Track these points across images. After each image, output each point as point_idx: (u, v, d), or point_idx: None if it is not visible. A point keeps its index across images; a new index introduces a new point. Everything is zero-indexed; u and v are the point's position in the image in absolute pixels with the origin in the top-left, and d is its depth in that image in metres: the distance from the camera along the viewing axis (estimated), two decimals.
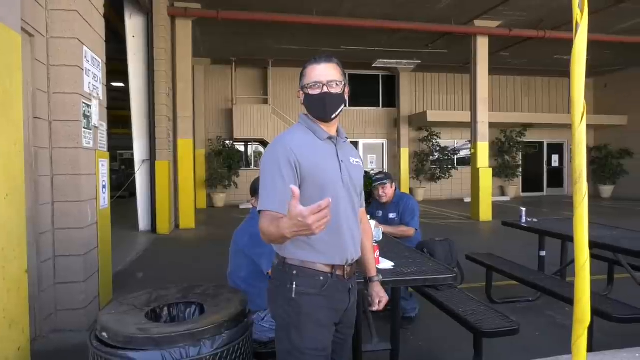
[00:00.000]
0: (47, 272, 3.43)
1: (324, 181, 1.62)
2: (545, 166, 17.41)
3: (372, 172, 14.42)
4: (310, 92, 1.67)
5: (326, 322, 1.63)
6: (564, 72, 16.02)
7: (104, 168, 4.10)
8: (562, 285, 3.61)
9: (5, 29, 2.13)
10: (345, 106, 1.77)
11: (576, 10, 1.20)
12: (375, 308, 1.90)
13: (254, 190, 2.49)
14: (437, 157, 15.82)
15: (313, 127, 1.71)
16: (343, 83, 1.69)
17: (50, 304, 3.45)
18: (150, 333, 1.78)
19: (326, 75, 1.66)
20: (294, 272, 1.61)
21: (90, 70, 3.82)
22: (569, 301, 3.17)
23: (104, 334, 1.82)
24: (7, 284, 2.12)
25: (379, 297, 1.90)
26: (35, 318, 3.24)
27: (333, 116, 1.69)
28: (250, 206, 2.74)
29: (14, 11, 2.26)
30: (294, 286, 1.59)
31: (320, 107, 1.67)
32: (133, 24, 8.73)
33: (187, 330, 1.80)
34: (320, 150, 1.66)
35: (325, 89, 1.65)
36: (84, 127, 3.67)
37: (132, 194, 9.63)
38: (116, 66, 9.23)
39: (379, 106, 16.32)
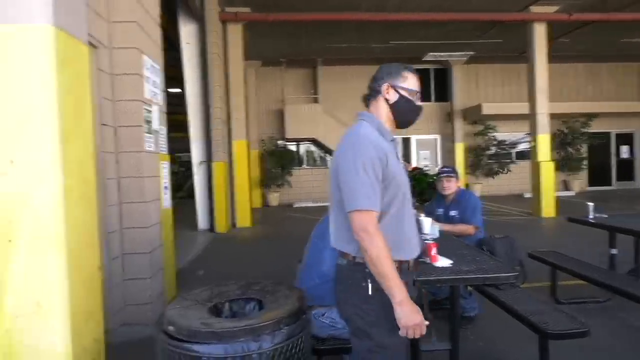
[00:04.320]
0: (116, 269, 3.65)
1: (399, 180, 1.67)
2: (613, 158, 16.29)
3: (426, 169, 14.23)
4: (412, 97, 1.74)
5: None
6: (633, 56, 14.90)
7: (165, 170, 4.30)
8: (636, 285, 3.37)
9: (75, 42, 2.28)
10: None
11: None
12: None
13: None
14: (494, 151, 15.23)
15: (381, 129, 1.74)
16: None
17: (119, 299, 3.67)
18: (214, 327, 1.85)
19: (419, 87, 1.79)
20: (367, 269, 1.61)
21: (150, 78, 4.01)
22: None
23: (171, 327, 1.91)
24: (84, 279, 2.28)
25: None
26: (107, 312, 3.45)
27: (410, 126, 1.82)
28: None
29: (82, 25, 2.41)
30: (370, 283, 1.61)
31: (412, 115, 1.78)
32: (187, 32, 9.08)
33: (248, 325, 1.84)
34: (391, 151, 1.70)
35: (419, 102, 1.77)
36: (146, 132, 3.86)
37: (190, 194, 10.02)
38: (172, 72, 9.64)
39: (430, 100, 15.94)
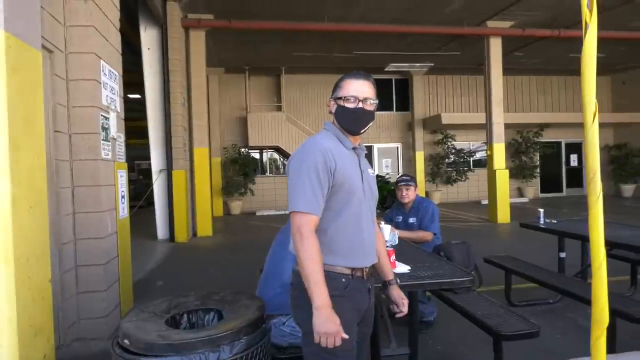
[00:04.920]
0: (70, 281, 3.51)
1: (353, 187, 1.69)
2: (563, 166, 17.12)
3: (387, 177, 14.49)
4: (346, 104, 1.74)
5: (351, 322, 1.66)
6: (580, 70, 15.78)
7: (122, 179, 4.19)
8: (582, 287, 3.55)
9: (26, 48, 2.21)
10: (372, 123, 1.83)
11: (585, 11, 1.20)
12: (405, 310, 1.93)
13: None
14: (452, 159, 15.70)
15: (340, 137, 1.78)
16: (376, 102, 1.77)
17: (73, 313, 3.53)
18: (171, 339, 1.82)
19: (364, 92, 1.74)
20: None
21: (107, 84, 3.92)
22: (590, 303, 3.12)
23: (126, 341, 1.86)
24: (32, 293, 2.18)
25: (402, 299, 1.94)
26: (60, 327, 3.31)
27: (362, 131, 1.79)
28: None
29: (34, 29, 2.34)
30: None
31: (352, 121, 1.75)
32: (148, 37, 8.90)
33: (207, 336, 1.83)
34: (347, 158, 1.73)
35: (360, 105, 1.73)
36: (103, 139, 3.76)
37: (150, 203, 9.78)
38: (132, 78, 9.41)
39: (392, 110, 16.27)
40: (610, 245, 3.18)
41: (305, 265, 1.55)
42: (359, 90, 1.73)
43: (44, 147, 2.43)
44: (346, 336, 1.55)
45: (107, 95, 3.89)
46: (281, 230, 2.80)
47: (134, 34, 9.00)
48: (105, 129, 3.83)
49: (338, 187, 1.66)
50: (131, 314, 2.14)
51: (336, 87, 1.79)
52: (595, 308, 1.33)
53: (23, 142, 2.14)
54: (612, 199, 14.94)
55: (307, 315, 1.64)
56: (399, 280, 2.05)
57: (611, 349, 2.64)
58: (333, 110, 1.79)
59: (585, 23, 1.22)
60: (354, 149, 1.79)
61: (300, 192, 1.61)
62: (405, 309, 1.93)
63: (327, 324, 1.51)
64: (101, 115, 3.74)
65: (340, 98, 1.75)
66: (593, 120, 1.23)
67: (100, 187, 3.67)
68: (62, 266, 3.41)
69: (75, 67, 3.59)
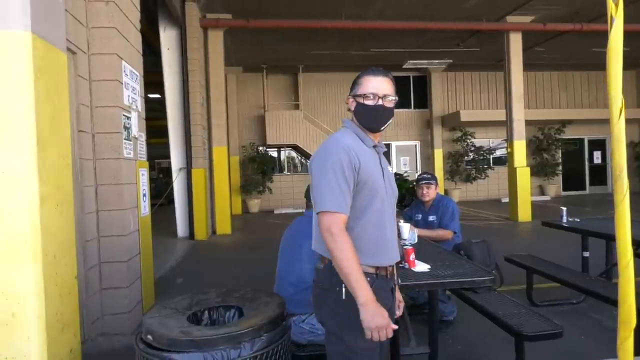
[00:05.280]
0: (94, 278, 3.59)
1: (376, 185, 1.68)
2: (586, 163, 16.73)
3: (405, 175, 14.40)
4: (365, 102, 1.72)
5: None
6: (603, 65, 15.36)
7: (144, 177, 4.26)
8: (607, 287, 3.47)
9: (53, 50, 2.26)
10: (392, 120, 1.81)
11: (610, 4, 1.17)
12: (398, 313, 1.91)
13: None
14: (472, 157, 15.51)
15: (361, 134, 1.77)
16: (395, 99, 1.75)
17: (97, 309, 3.61)
18: (193, 336, 1.85)
19: (383, 88, 1.72)
20: None
21: (129, 84, 3.98)
22: (616, 303, 3.04)
23: (149, 336, 1.90)
24: (60, 289, 2.24)
25: (398, 301, 1.92)
26: (84, 322, 3.39)
27: (382, 128, 1.77)
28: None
29: (60, 32, 2.39)
30: (344, 289, 1.60)
31: (372, 118, 1.74)
32: (167, 37, 9.02)
33: (228, 333, 1.85)
34: (369, 156, 1.72)
35: (380, 102, 1.71)
36: (125, 139, 3.82)
37: (170, 201, 9.91)
38: (152, 78, 9.55)
39: (410, 107, 16.15)
40: (636, 244, 3.11)
41: (343, 265, 1.53)
42: (378, 87, 1.71)
43: (70, 147, 2.48)
44: (396, 327, 1.54)
45: (128, 95, 3.96)
46: (287, 229, 2.82)
47: (154, 34, 9.12)
48: (127, 129, 3.90)
49: (362, 185, 1.64)
50: (154, 310, 2.18)
51: (354, 84, 1.77)
52: (623, 308, 1.30)
53: (50, 142, 2.20)
54: (637, 197, 14.54)
55: (330, 314, 1.65)
56: (400, 281, 2.03)
57: (637, 350, 2.58)
58: (352, 108, 1.77)
59: (611, 17, 1.20)
60: (374, 146, 1.78)
61: (327, 191, 1.59)
62: (399, 312, 1.90)
63: (377, 318, 1.50)
64: (123, 115, 3.81)
65: (359, 95, 1.73)
66: (619, 116, 1.20)
67: (122, 185, 3.74)
68: (86, 263, 3.49)
69: (98, 68, 3.66)
